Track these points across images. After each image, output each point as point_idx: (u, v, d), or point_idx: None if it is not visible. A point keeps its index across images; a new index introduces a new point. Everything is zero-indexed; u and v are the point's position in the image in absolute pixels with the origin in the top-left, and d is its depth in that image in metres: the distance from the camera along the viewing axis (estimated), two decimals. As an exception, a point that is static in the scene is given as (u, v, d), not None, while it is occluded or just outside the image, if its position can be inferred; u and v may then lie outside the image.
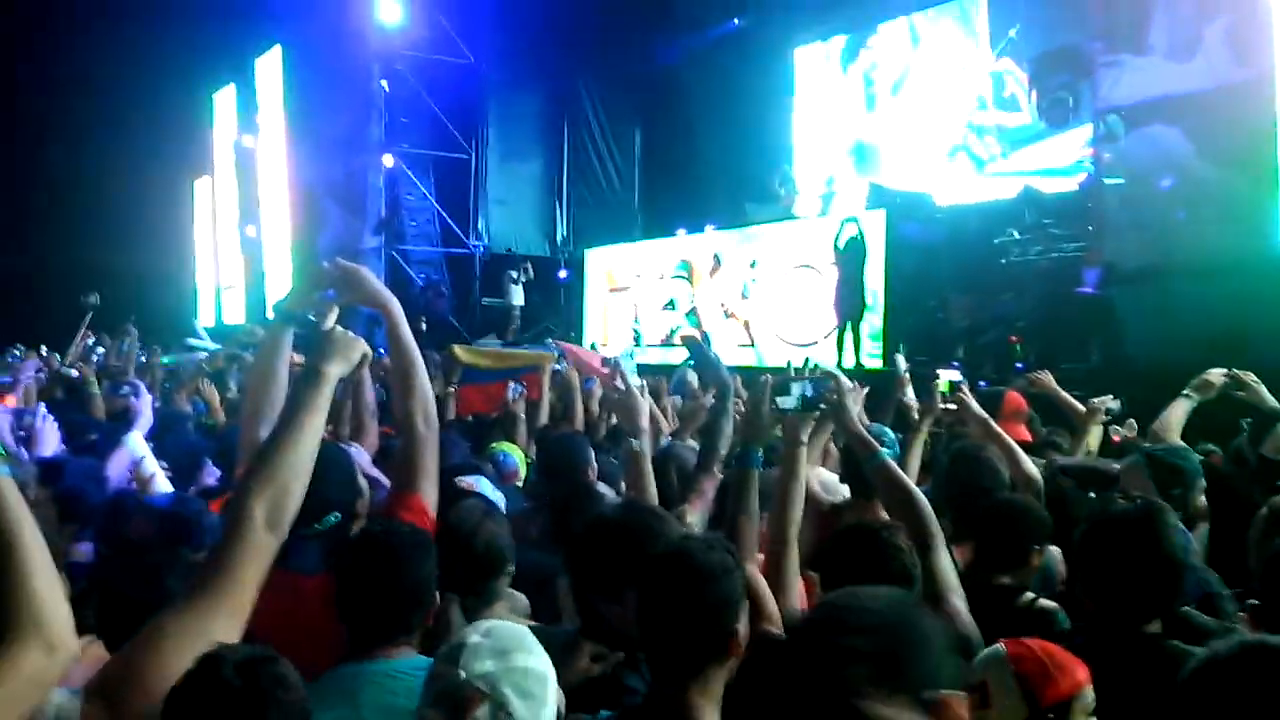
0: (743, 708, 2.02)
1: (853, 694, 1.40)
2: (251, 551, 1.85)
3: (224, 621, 1.77)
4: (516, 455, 4.96)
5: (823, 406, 3.12)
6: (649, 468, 3.34)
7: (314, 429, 2.05)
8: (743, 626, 2.04)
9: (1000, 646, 2.16)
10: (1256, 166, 8.71)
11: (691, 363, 5.20)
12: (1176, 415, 4.64)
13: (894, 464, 2.98)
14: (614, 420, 6.44)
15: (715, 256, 15.15)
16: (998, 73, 14.22)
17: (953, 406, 4.92)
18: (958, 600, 2.71)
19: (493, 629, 1.87)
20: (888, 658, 1.44)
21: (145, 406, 4.62)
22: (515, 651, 1.82)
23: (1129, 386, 7.82)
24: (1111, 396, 5.22)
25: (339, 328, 2.36)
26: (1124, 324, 9.66)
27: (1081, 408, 5.61)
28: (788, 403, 3.08)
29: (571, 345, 10.86)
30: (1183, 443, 4.32)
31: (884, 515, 3.16)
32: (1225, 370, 4.75)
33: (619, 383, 3.74)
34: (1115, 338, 9.72)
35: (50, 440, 4.11)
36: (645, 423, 3.46)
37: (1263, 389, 4.68)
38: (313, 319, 2.73)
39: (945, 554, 2.82)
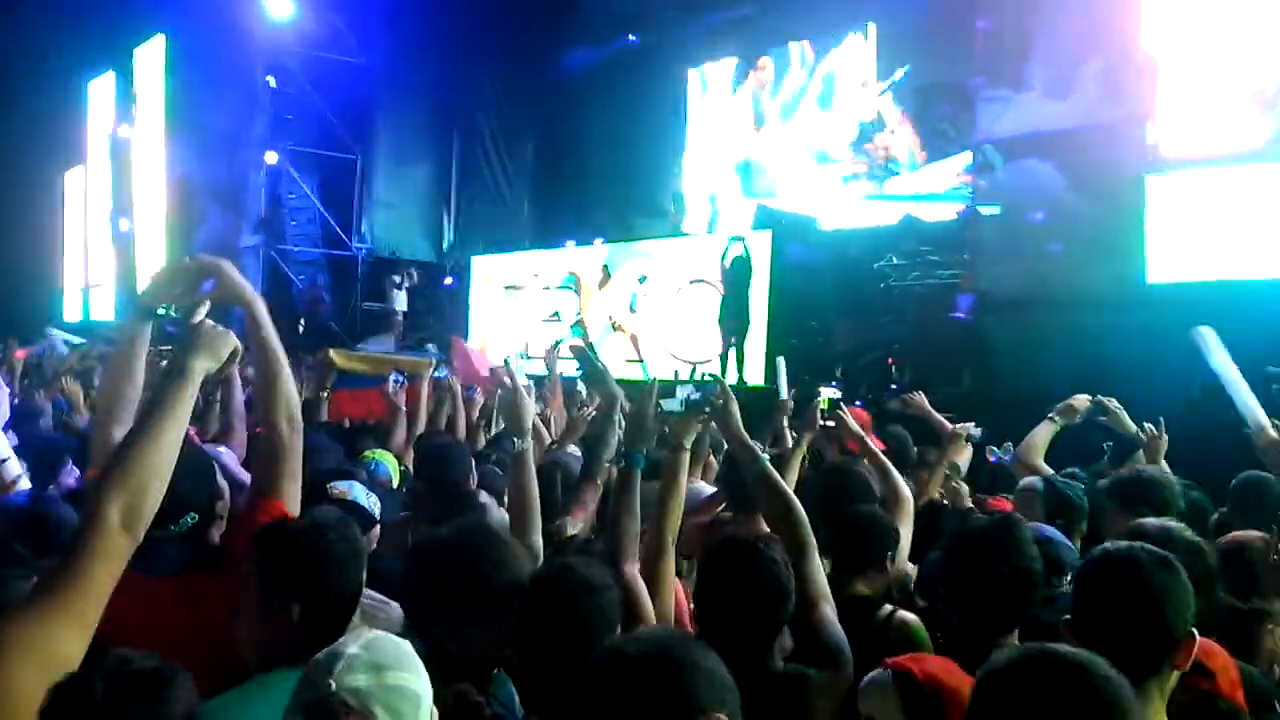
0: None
1: None
2: (104, 554, 1.74)
3: (69, 629, 1.66)
4: (389, 463, 4.84)
5: (707, 410, 3.11)
6: (533, 469, 3.29)
7: (175, 427, 1.95)
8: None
9: (885, 672, 2.16)
10: (1126, 202, 9.04)
11: (581, 373, 5.17)
12: (1041, 437, 4.77)
13: (775, 472, 2.98)
14: (494, 429, 6.38)
15: (605, 268, 15.13)
16: (885, 104, 14.56)
17: (831, 424, 4.98)
18: (827, 607, 2.72)
19: (372, 641, 1.75)
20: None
21: (2, 400, 4.38)
22: (392, 668, 1.71)
23: (998, 410, 8.05)
24: (974, 424, 5.33)
25: (208, 321, 2.27)
26: (995, 350, 9.93)
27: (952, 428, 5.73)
28: (672, 405, 3.13)
29: (464, 344, 10.62)
30: (1049, 469, 4.45)
31: (763, 528, 3.16)
32: (1090, 396, 4.90)
33: (507, 380, 3.68)
34: (986, 363, 9.99)
35: None
36: (529, 424, 3.41)
37: (1124, 415, 4.86)
38: (172, 314, 2.63)
39: (817, 562, 2.84)
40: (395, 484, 4.72)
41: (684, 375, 11.28)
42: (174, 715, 1.66)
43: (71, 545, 1.76)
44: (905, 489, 4.08)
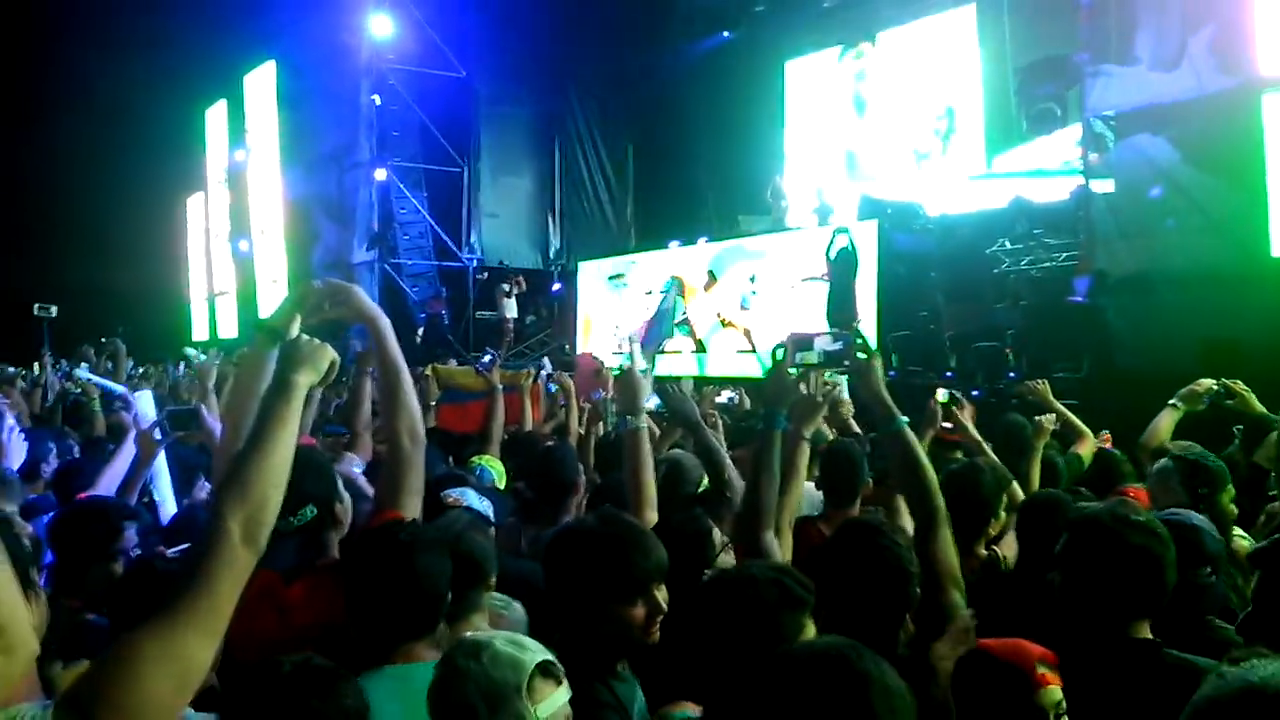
0: None
1: None
2: (228, 568, 1.79)
3: (199, 639, 1.72)
4: (495, 469, 4.94)
5: (847, 363, 3.00)
6: (647, 447, 3.31)
7: (286, 440, 2.00)
8: None
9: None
10: (1243, 174, 8.74)
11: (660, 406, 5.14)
12: (1164, 424, 4.68)
13: (912, 435, 2.87)
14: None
15: (710, 272, 15.15)
16: (988, 78, 14.30)
17: (949, 426, 4.89)
18: (955, 591, 2.65)
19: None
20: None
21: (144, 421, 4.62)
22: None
23: (1118, 395, 7.87)
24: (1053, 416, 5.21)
25: (304, 336, 2.32)
26: (1114, 333, 9.69)
27: (1074, 417, 5.65)
28: (810, 358, 3.03)
29: (588, 360, 10.71)
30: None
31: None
32: (1215, 379, 4.79)
33: (624, 363, 3.71)
34: (1105, 346, 9.74)
35: (16, 454, 4.13)
36: (643, 403, 3.41)
37: (1252, 397, 4.72)
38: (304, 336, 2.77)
39: (947, 537, 2.75)
40: (500, 488, 4.83)
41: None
42: (348, 709, 1.79)
43: (197, 559, 1.82)
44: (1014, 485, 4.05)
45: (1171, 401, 4.76)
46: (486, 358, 6.81)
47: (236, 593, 1.79)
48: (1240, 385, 4.77)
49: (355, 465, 4.29)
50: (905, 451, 2.83)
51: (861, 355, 2.93)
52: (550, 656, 1.90)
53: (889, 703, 1.53)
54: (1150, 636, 2.43)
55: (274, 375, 2.23)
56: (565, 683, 1.91)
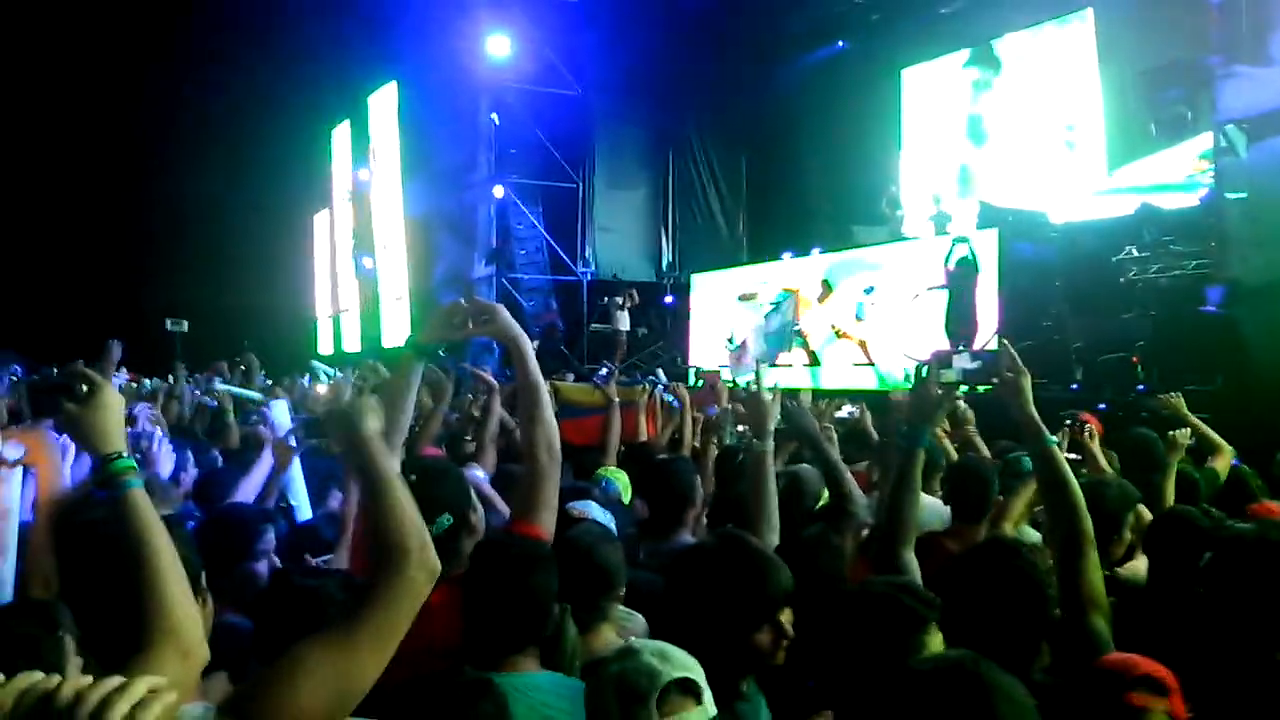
0: None
1: None
2: (408, 590, 1.82)
3: (370, 658, 1.74)
4: (620, 481, 4.99)
5: (994, 380, 3.00)
6: (771, 469, 3.38)
7: (394, 479, 1.98)
8: None
9: None
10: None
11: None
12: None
13: (1060, 455, 2.84)
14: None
15: (825, 282, 15.03)
16: (1108, 86, 13.95)
17: (1075, 457, 4.74)
18: (1098, 618, 2.61)
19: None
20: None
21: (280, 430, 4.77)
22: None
23: (1254, 408, 7.59)
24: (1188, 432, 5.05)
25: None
26: (1249, 344, 9.32)
27: (1210, 431, 5.49)
28: (950, 375, 3.07)
29: (717, 381, 10.77)
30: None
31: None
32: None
33: (752, 386, 3.79)
34: (1240, 358, 9.38)
35: (165, 463, 4.31)
36: (770, 427, 3.47)
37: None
38: (441, 353, 2.90)
39: (1093, 560, 2.70)
40: (626, 500, 4.88)
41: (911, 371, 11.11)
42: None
43: (375, 580, 1.83)
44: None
45: (1314, 416, 4.59)
46: (603, 371, 6.93)
47: (411, 616, 1.82)
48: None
49: (478, 473, 4.40)
50: (1053, 470, 2.80)
51: (1010, 373, 2.92)
52: (693, 676, 1.93)
53: (1015, 711, 1.54)
54: None
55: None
56: (705, 705, 1.92)
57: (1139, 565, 3.57)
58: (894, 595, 2.12)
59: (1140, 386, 9.84)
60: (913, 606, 2.10)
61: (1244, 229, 10.00)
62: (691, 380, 14.08)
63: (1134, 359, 10.41)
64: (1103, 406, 9.35)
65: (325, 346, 28.49)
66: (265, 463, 4.38)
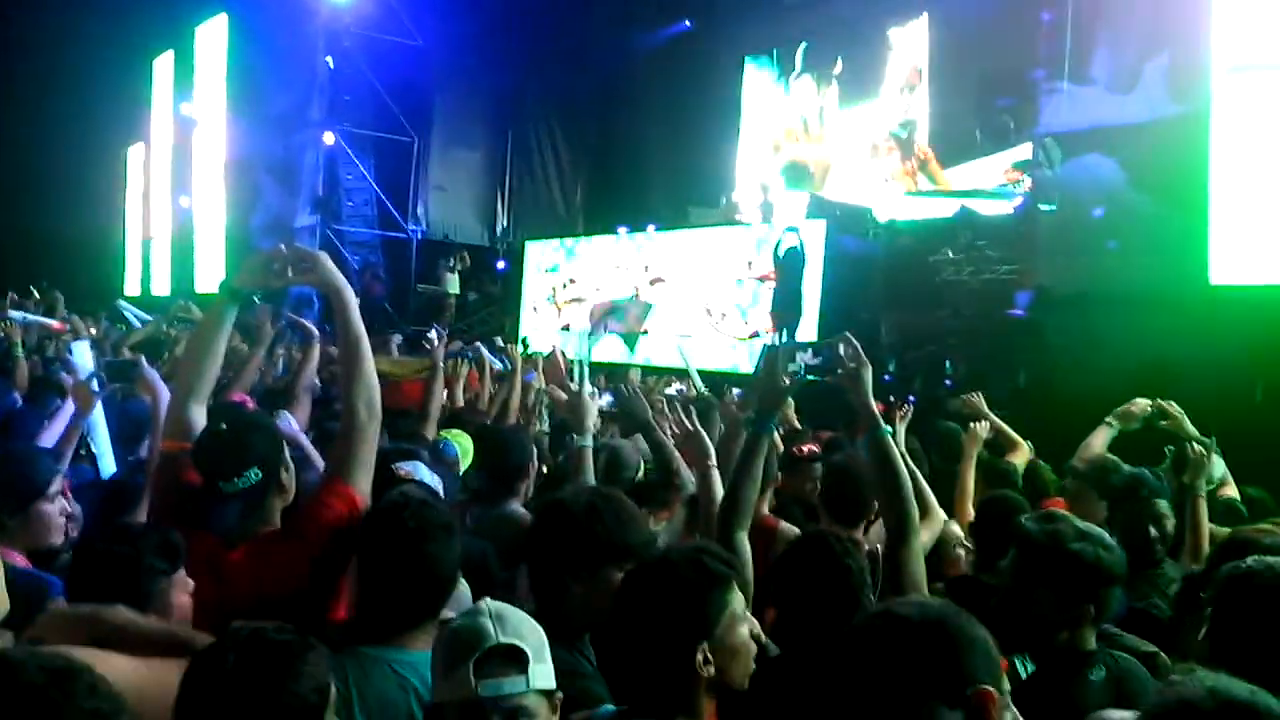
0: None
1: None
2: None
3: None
4: (462, 444, 4.91)
5: (839, 370, 3.07)
6: (590, 463, 3.52)
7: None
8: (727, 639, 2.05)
9: None
10: (1188, 200, 8.89)
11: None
12: (1098, 442, 4.74)
13: (893, 444, 2.95)
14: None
15: (659, 279, 15.13)
16: (936, 92, 14.43)
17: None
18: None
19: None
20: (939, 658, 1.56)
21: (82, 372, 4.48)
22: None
23: (1055, 409, 7.99)
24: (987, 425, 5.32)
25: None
26: (1052, 348, 9.83)
27: (1010, 429, 5.73)
28: (796, 367, 3.12)
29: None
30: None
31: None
32: (1150, 401, 4.86)
33: (572, 385, 3.83)
34: (1043, 362, 9.88)
35: None
36: (590, 422, 3.64)
37: (1185, 419, 4.80)
38: (256, 299, 2.89)
39: (916, 548, 2.85)
40: (465, 466, 4.80)
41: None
42: (303, 690, 1.72)
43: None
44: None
45: (1107, 420, 4.84)
46: (431, 333, 6.75)
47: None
48: (1174, 407, 4.85)
49: (291, 423, 4.23)
50: (885, 459, 2.91)
51: (852, 365, 3.02)
52: (523, 646, 1.87)
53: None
54: (1093, 647, 2.49)
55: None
56: (530, 675, 1.86)
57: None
58: (696, 556, 2.12)
59: (948, 382, 10.25)
60: (712, 566, 2.09)
61: (1054, 239, 10.51)
62: (522, 350, 13.95)
63: (944, 356, 10.84)
64: (912, 399, 9.69)
65: (133, 287, 27.02)
66: (68, 409, 4.11)
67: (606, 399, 4.28)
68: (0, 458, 3.33)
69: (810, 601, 2.64)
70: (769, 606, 2.88)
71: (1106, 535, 2.61)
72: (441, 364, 6.08)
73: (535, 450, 4.37)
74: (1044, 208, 10.73)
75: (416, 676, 2.25)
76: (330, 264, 2.79)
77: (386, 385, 7.41)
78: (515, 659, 1.86)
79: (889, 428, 2.99)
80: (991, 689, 1.56)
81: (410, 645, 2.34)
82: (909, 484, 2.90)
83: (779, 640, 2.64)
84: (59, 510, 3.14)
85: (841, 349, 3.03)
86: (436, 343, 6.39)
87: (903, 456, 3.05)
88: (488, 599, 1.94)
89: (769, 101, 17.18)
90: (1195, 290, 8.64)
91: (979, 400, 5.98)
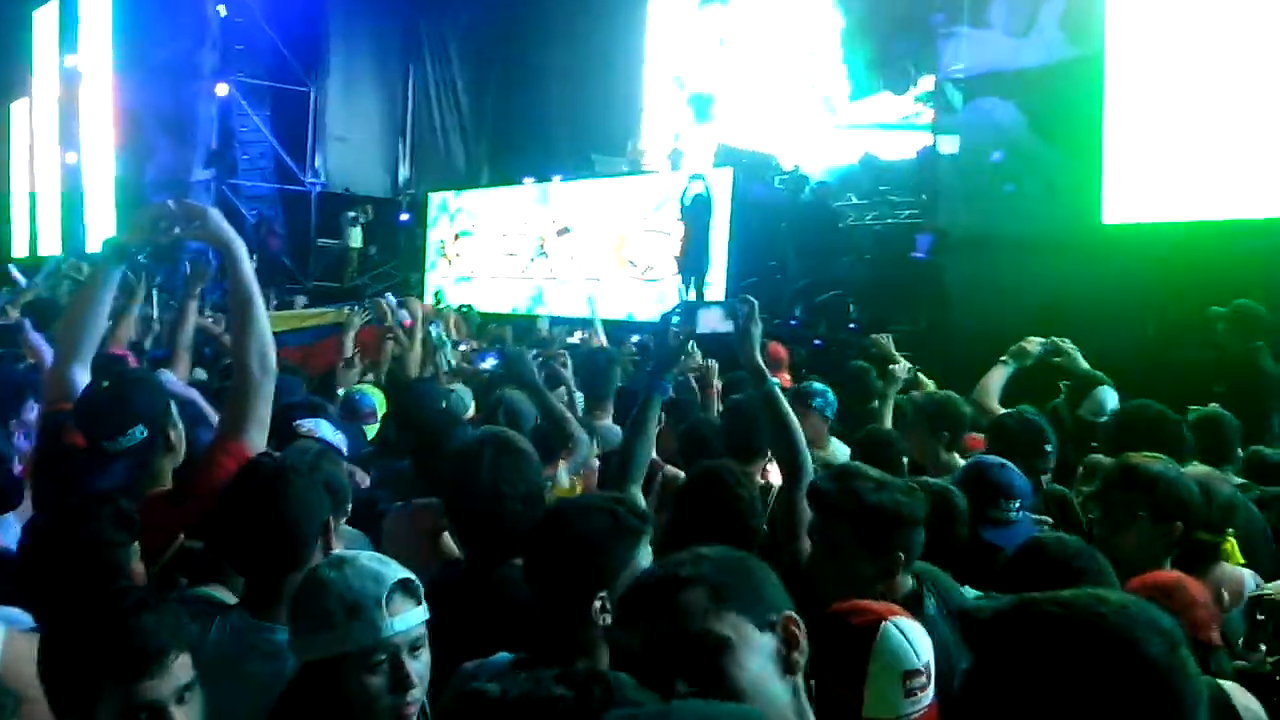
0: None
1: (690, 617, 1.55)
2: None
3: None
4: (376, 396, 4.86)
5: (735, 324, 3.14)
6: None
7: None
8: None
9: None
10: (1083, 143, 9.05)
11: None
12: (994, 380, 4.82)
13: (781, 396, 3.02)
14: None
15: (566, 229, 15.05)
16: (844, 30, 14.45)
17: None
18: (808, 542, 2.73)
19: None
20: (722, 584, 1.58)
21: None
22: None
23: (954, 350, 8.13)
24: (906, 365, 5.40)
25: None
26: (952, 291, 10.00)
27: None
28: (700, 329, 3.20)
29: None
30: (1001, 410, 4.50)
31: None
32: (1043, 338, 4.95)
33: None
34: (943, 303, 10.05)
35: None
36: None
37: (1079, 356, 4.91)
38: (141, 258, 2.98)
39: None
40: (380, 416, 4.77)
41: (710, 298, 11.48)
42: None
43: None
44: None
45: (1002, 358, 4.90)
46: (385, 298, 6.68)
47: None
48: (1067, 344, 4.94)
49: (171, 383, 4.10)
50: (776, 412, 2.98)
51: (745, 323, 3.09)
52: (412, 576, 1.90)
53: None
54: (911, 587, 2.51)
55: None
56: (425, 604, 1.91)
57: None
58: (611, 506, 2.17)
59: (852, 325, 10.38)
60: (624, 518, 2.13)
61: (953, 183, 10.65)
62: (435, 303, 13.80)
63: (848, 300, 10.97)
64: (818, 342, 9.81)
65: (20, 248, 26.00)
66: None
67: (491, 360, 4.25)
68: None
69: (704, 530, 2.70)
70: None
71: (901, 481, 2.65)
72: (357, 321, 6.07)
73: (446, 402, 4.35)
74: (944, 151, 10.85)
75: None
76: (220, 218, 2.73)
77: (311, 347, 7.31)
78: (411, 591, 1.88)
79: (776, 380, 3.08)
80: (795, 615, 1.62)
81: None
82: (799, 431, 2.98)
83: None
84: None
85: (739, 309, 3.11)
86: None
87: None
88: (339, 550, 1.95)
89: (673, 41, 17.02)
90: (1088, 231, 8.83)
91: (888, 341, 6.04)
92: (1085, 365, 4.88)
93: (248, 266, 2.76)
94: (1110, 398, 4.58)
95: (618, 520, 2.11)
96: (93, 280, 2.93)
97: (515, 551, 2.32)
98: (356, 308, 7.04)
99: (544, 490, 2.73)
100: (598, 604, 2.02)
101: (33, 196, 26.05)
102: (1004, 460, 3.26)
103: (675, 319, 3.32)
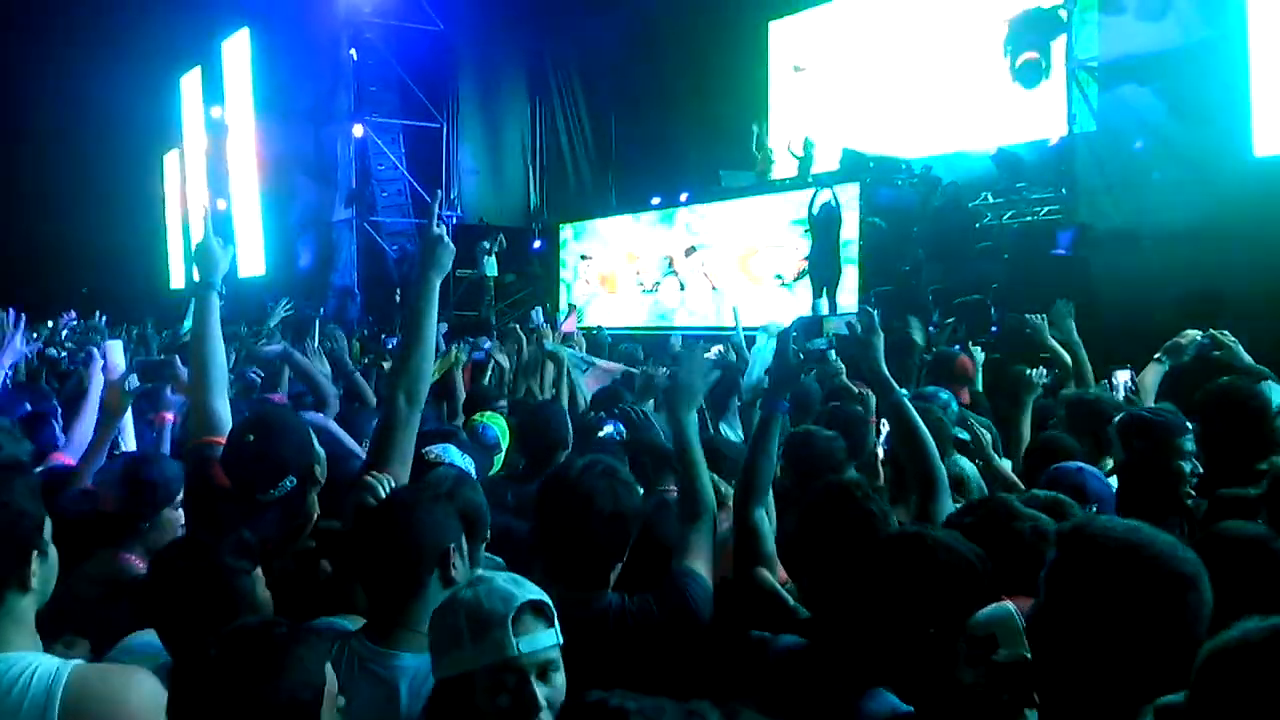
0: None
1: None
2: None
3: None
4: (499, 425, 4.84)
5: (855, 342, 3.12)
6: None
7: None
8: None
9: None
10: (1228, 125, 8.66)
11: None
12: (1149, 380, 4.63)
13: (910, 406, 2.95)
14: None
15: (693, 248, 15.13)
16: (973, 32, 14.12)
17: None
18: None
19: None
20: None
21: (96, 373, 4.48)
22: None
23: (1102, 349, 7.82)
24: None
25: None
26: (1097, 286, 9.63)
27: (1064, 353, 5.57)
28: (819, 343, 3.20)
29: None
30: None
31: None
32: (1200, 331, 4.74)
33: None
34: (1088, 300, 9.69)
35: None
36: None
37: (1239, 347, 4.66)
38: (221, 289, 3.16)
39: (944, 505, 2.83)
40: (505, 445, 4.75)
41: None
42: (291, 685, 1.68)
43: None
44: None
45: (1156, 356, 4.71)
46: (486, 346, 6.78)
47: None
48: (1228, 336, 4.71)
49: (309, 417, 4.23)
50: (904, 422, 2.92)
51: (865, 334, 3.06)
52: (545, 598, 1.90)
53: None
54: None
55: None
56: (556, 627, 1.90)
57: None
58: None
59: (993, 328, 10.09)
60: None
61: (1094, 176, 10.30)
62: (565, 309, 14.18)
63: (987, 301, 10.68)
64: (956, 348, 9.57)
65: (177, 281, 27.44)
66: (93, 407, 4.11)
67: (609, 428, 4.06)
68: (133, 464, 3.34)
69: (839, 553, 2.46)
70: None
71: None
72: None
73: (570, 424, 4.28)
74: (1082, 143, 10.49)
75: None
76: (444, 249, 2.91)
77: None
78: (543, 613, 1.89)
79: (904, 391, 3.00)
80: None
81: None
82: (930, 441, 2.89)
83: (810, 603, 2.54)
84: (180, 518, 3.12)
85: (860, 319, 3.06)
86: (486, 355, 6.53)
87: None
88: (483, 570, 1.96)
89: (801, 55, 16.92)
90: (1237, 218, 8.37)
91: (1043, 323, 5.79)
92: (1248, 358, 4.63)
93: (423, 303, 2.82)
94: (1276, 393, 4.36)
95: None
96: (195, 317, 3.07)
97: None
98: (460, 345, 7.13)
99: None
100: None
101: (186, 235, 27.44)
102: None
103: (793, 335, 3.23)
